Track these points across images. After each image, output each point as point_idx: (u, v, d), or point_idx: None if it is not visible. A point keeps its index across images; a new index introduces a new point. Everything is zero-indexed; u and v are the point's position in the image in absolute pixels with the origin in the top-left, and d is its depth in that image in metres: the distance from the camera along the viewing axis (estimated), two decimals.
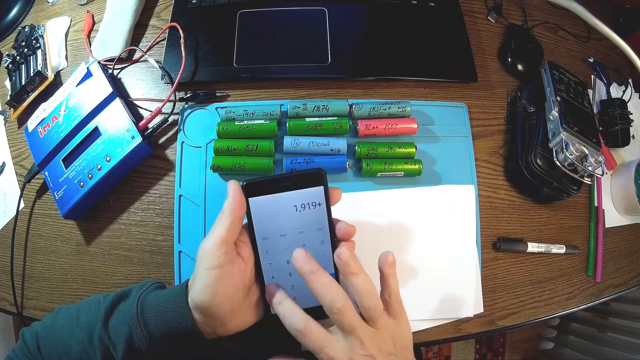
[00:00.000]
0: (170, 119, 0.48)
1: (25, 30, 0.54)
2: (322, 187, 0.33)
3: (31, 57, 0.52)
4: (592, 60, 0.58)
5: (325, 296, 0.29)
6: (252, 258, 0.33)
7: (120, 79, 0.51)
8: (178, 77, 0.47)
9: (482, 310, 0.44)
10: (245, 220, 0.33)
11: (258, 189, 0.32)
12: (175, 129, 0.48)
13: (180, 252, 0.43)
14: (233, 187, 0.32)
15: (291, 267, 0.34)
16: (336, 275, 0.35)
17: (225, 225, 0.31)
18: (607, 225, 0.51)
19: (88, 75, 0.47)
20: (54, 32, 0.55)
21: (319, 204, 0.33)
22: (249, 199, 0.32)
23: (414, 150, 0.45)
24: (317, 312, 0.35)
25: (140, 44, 0.53)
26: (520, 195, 0.49)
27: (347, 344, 0.29)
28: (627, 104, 0.54)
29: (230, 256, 0.31)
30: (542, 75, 0.51)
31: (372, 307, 0.30)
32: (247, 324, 0.34)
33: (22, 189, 0.48)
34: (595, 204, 0.51)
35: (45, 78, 0.51)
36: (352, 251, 0.31)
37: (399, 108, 0.46)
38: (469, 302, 0.43)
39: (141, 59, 0.52)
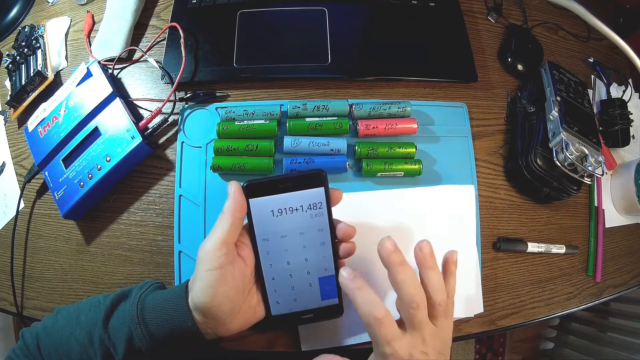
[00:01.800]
0: (170, 119, 0.48)
1: (25, 30, 0.54)
2: (322, 188, 0.33)
3: (31, 57, 0.52)
4: (592, 60, 0.58)
5: (409, 289, 0.30)
6: (252, 259, 0.33)
7: (120, 79, 0.51)
8: (178, 77, 0.47)
9: (482, 310, 0.44)
10: (246, 221, 0.33)
11: (259, 190, 0.32)
12: (175, 129, 0.48)
13: (180, 252, 0.43)
14: (234, 188, 0.32)
15: (291, 268, 0.34)
16: (336, 276, 0.35)
17: (226, 227, 0.31)
18: (607, 225, 0.51)
19: (88, 75, 0.47)
20: (54, 32, 0.55)
21: (320, 205, 0.33)
22: (250, 199, 0.32)
23: (414, 150, 0.45)
24: (304, 317, 0.35)
25: (140, 44, 0.53)
26: (520, 195, 0.49)
27: (410, 339, 0.30)
28: (627, 104, 0.54)
29: (230, 257, 0.31)
30: (542, 75, 0.51)
31: (441, 303, 0.31)
32: (247, 325, 0.34)
33: (22, 189, 0.48)
34: (595, 204, 0.51)
35: (45, 78, 0.51)
36: (431, 246, 0.32)
37: (399, 108, 0.46)
38: (469, 302, 0.43)
39: (141, 59, 0.52)
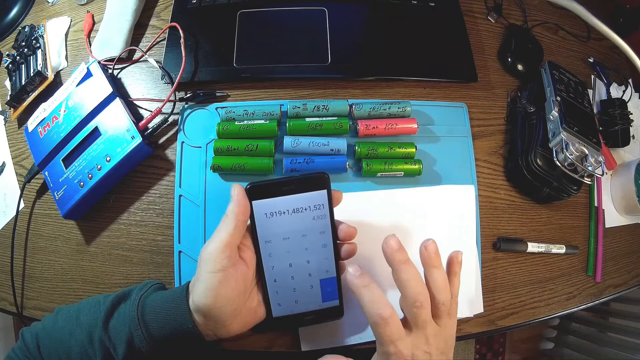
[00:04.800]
0: (170, 119, 0.48)
1: (25, 30, 0.54)
2: (325, 191, 0.33)
3: (31, 57, 0.52)
4: (592, 60, 0.58)
5: (413, 287, 0.30)
6: (253, 260, 0.33)
7: (120, 79, 0.51)
8: (178, 77, 0.47)
9: (482, 310, 0.44)
10: (248, 223, 0.33)
11: (262, 192, 0.32)
12: (175, 129, 0.48)
13: (180, 252, 0.43)
14: (237, 191, 0.32)
15: (293, 270, 0.34)
16: (337, 277, 0.35)
17: (230, 229, 0.31)
18: (607, 225, 0.51)
19: (88, 75, 0.47)
20: (54, 32, 0.55)
21: (322, 207, 0.33)
22: (253, 201, 0.32)
23: (414, 150, 0.45)
24: (305, 319, 0.35)
25: (140, 44, 0.53)
26: (520, 195, 0.49)
27: (414, 339, 0.30)
28: (627, 104, 0.54)
29: (233, 260, 0.31)
30: (542, 75, 0.51)
31: (445, 303, 0.31)
32: (248, 326, 0.34)
33: (22, 189, 0.48)
34: (595, 204, 0.51)
35: (45, 78, 0.51)
36: (437, 245, 0.32)
37: (399, 108, 0.46)
38: (469, 302, 0.43)
39: (141, 59, 0.52)
